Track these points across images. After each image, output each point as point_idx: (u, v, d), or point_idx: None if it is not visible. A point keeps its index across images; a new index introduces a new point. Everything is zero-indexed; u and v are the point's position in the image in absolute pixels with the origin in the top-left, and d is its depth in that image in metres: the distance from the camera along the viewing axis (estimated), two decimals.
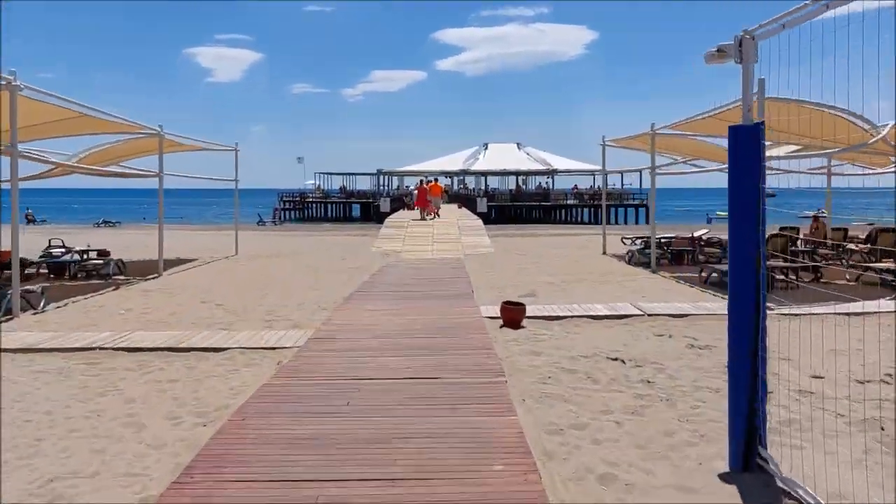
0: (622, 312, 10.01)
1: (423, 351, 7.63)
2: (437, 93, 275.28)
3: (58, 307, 11.23)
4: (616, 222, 57.31)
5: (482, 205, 30.41)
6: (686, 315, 9.85)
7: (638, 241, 24.40)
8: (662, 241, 20.77)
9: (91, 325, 9.65)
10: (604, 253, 20.45)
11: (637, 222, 55.97)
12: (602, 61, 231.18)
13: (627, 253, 18.19)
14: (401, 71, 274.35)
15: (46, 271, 15.93)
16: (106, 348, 8.08)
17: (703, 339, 8.34)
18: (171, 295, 12.62)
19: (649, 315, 9.82)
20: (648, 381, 6.57)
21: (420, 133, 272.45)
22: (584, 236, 32.82)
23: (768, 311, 4.46)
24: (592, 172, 66.66)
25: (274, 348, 8.09)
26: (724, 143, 4.96)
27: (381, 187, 61.52)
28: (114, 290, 13.36)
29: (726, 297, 4.69)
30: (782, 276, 12.45)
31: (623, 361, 7.34)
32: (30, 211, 54.85)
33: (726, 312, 4.58)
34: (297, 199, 70.19)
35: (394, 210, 33.64)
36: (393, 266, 17.37)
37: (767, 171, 4.52)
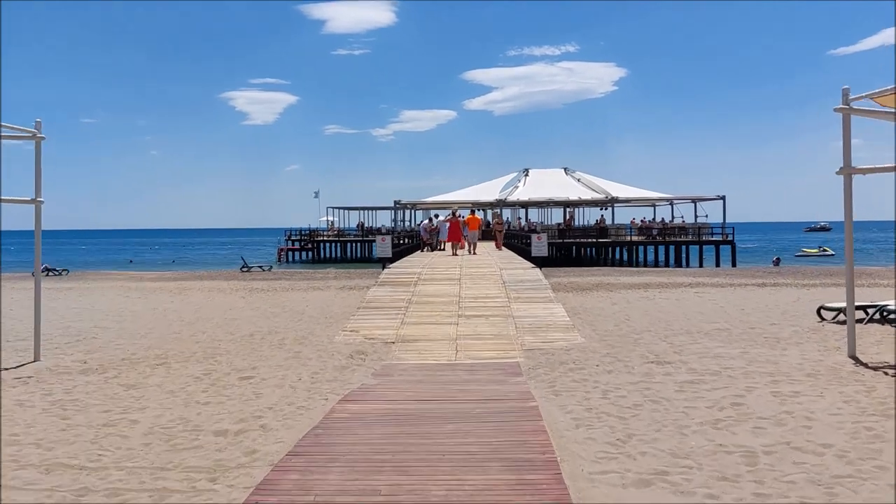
0: None
1: None
2: (468, 131, 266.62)
3: None
4: (687, 264, 45.28)
5: (540, 245, 18.75)
6: None
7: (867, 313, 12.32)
8: None
9: None
10: (855, 360, 8.91)
11: (718, 264, 43.46)
12: (633, 97, 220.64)
13: None
14: (430, 111, 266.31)
15: None
16: None
17: None
18: None
19: None
20: None
21: (451, 170, 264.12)
22: (695, 289, 21.36)
23: None
24: (654, 203, 55.09)
25: None
26: None
27: (398, 223, 50.61)
28: None
29: None
30: None
31: None
32: None
33: None
34: (306, 237, 59.66)
35: (400, 254, 22.39)
36: (337, 442, 6.15)
37: None
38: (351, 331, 11.89)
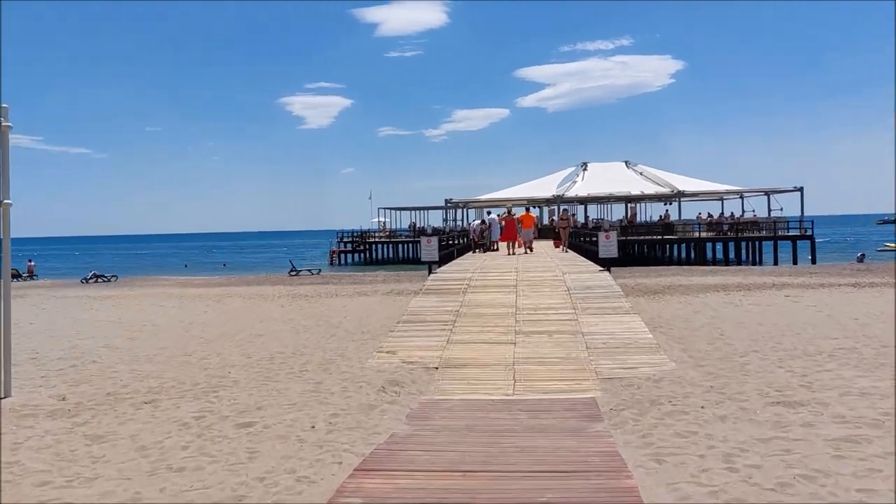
0: None
1: None
2: (520, 129, 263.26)
3: None
4: (759, 262, 41.82)
5: (609, 245, 16.25)
6: None
7: None
8: None
9: None
10: None
11: (796, 262, 39.60)
12: (691, 90, 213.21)
13: None
14: (483, 109, 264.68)
15: None
16: None
17: None
18: None
19: None
20: None
21: (504, 168, 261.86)
22: (782, 290, 18.71)
23: None
24: (721, 196, 51.46)
25: None
26: None
27: (449, 222, 48.74)
28: None
29: None
30: None
31: None
32: (32, 264, 45.14)
33: None
34: (358, 238, 58.56)
35: (450, 256, 20.43)
36: None
37: None
38: (387, 352, 9.97)
